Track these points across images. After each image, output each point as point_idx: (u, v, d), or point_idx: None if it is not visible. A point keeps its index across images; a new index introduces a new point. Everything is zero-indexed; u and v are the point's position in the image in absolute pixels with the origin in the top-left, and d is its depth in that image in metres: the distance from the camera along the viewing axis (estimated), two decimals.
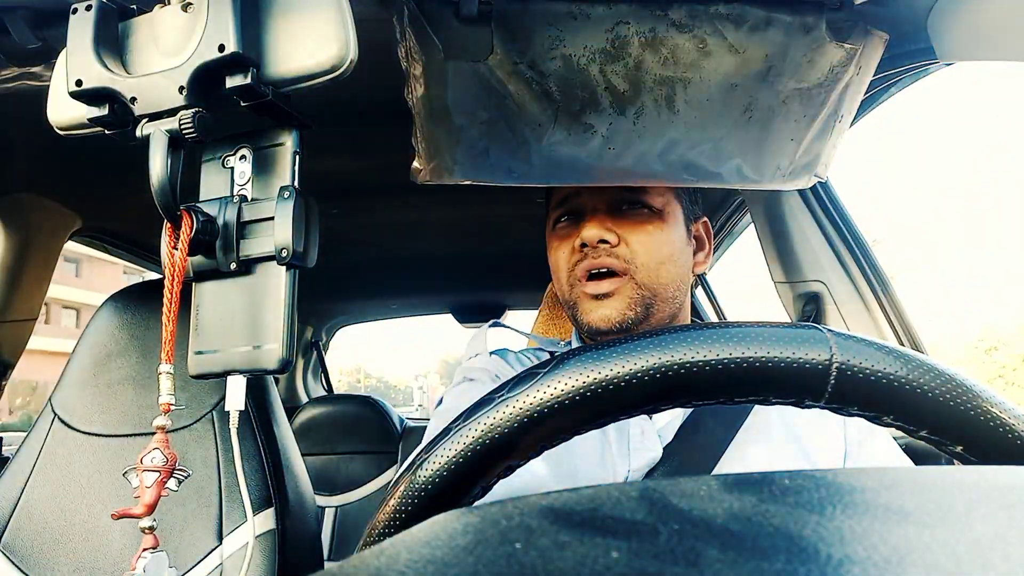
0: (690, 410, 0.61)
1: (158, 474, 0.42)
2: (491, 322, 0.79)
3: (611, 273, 0.63)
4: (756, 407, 0.61)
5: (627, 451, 0.59)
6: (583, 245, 0.63)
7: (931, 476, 0.20)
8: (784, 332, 0.27)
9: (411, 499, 0.28)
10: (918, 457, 0.86)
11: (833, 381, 0.26)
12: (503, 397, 0.28)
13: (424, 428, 2.11)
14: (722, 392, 0.27)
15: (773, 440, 0.59)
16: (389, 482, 1.97)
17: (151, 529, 0.42)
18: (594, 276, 0.63)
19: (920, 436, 0.27)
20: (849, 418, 0.59)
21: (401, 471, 0.30)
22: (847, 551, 0.15)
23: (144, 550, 0.42)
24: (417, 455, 0.30)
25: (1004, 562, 0.14)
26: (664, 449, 0.59)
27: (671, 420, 0.61)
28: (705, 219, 0.72)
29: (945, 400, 0.26)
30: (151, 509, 0.42)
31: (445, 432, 0.29)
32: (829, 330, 0.27)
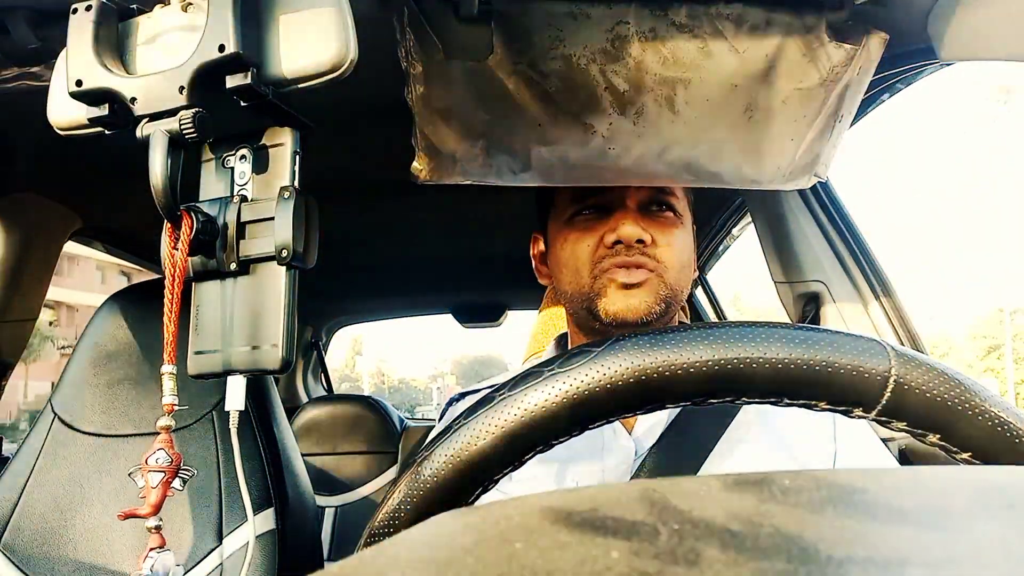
0: (673, 415, 0.61)
1: (163, 474, 0.42)
2: (455, 396, 0.76)
3: (643, 270, 0.63)
4: (742, 410, 0.60)
5: (600, 448, 0.60)
6: (616, 242, 0.62)
7: (931, 476, 0.20)
8: (845, 339, 0.27)
9: (412, 498, 0.28)
10: (919, 459, 0.86)
11: (889, 394, 0.26)
12: (507, 394, 0.28)
13: (424, 428, 2.12)
14: (776, 392, 0.27)
15: (760, 444, 0.59)
16: (389, 482, 1.98)
17: (157, 529, 0.42)
18: (626, 267, 0.63)
19: (961, 459, 0.27)
20: (839, 424, 0.60)
21: (402, 470, 0.30)
22: (847, 551, 0.15)
23: (151, 550, 0.42)
24: (418, 454, 0.30)
25: (1004, 562, 0.14)
26: (649, 449, 0.59)
27: (653, 424, 0.61)
28: (694, 226, 0.72)
29: (994, 426, 0.26)
30: (157, 509, 0.42)
31: (445, 432, 0.29)
32: (889, 344, 0.27)
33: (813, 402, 0.27)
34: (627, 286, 0.62)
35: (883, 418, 0.27)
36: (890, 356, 0.27)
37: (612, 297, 0.63)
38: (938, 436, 0.27)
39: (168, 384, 0.42)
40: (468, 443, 0.28)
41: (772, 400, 0.27)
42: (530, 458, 0.28)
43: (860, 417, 0.27)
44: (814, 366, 0.26)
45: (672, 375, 0.27)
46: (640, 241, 0.62)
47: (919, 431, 0.27)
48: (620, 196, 0.65)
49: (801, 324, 0.28)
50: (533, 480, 0.59)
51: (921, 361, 0.27)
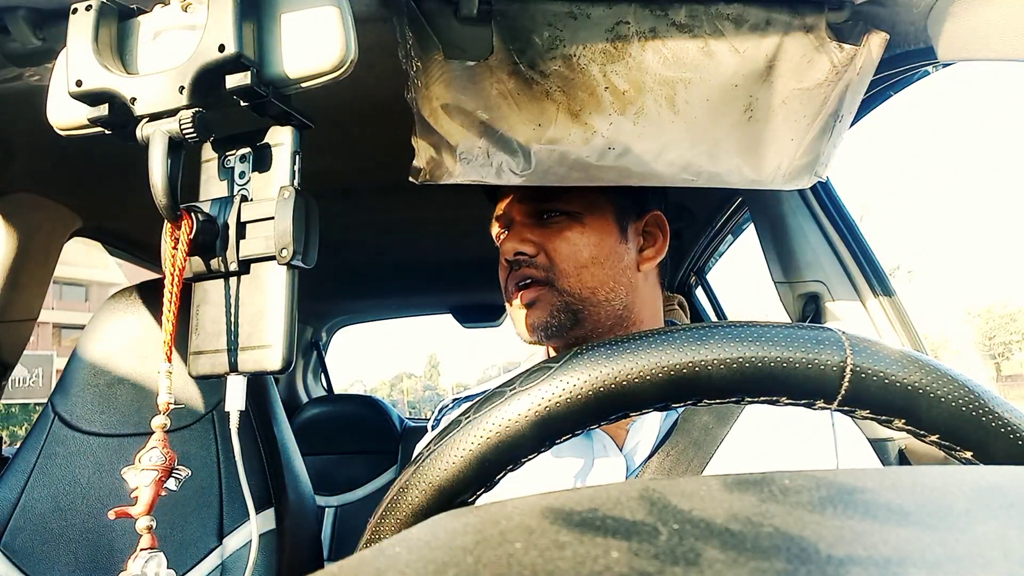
0: (666, 427, 0.61)
1: (156, 473, 0.42)
2: (447, 403, 0.75)
3: (536, 283, 0.63)
4: (737, 427, 0.60)
5: (590, 466, 0.59)
6: (507, 260, 0.64)
7: (931, 476, 0.20)
8: (799, 333, 0.27)
9: (412, 497, 0.28)
10: (919, 459, 0.86)
11: (847, 384, 0.26)
12: (514, 391, 0.28)
13: (424, 428, 2.12)
14: (736, 391, 0.27)
15: (759, 456, 0.58)
16: (389, 482, 1.98)
17: (149, 529, 0.42)
18: (520, 287, 0.64)
19: (930, 441, 0.27)
20: (839, 437, 0.59)
21: (402, 469, 0.30)
22: (847, 551, 0.15)
23: (141, 550, 0.42)
24: (418, 453, 0.30)
25: (1004, 562, 0.14)
26: (642, 464, 0.59)
27: (644, 438, 0.60)
28: (655, 212, 0.69)
29: (957, 406, 0.26)
30: (150, 509, 0.42)
31: (447, 431, 0.29)
32: (844, 332, 0.27)
33: (774, 398, 0.27)
34: (524, 306, 0.64)
35: (846, 408, 0.27)
36: (845, 346, 0.27)
37: (515, 318, 0.65)
38: (903, 421, 0.27)
39: (164, 383, 0.42)
40: (441, 468, 0.28)
41: (733, 400, 0.28)
42: (501, 478, 0.29)
43: (823, 409, 0.27)
44: (769, 363, 0.27)
45: (630, 384, 0.27)
46: (522, 254, 0.63)
47: (884, 417, 0.27)
48: (512, 211, 0.67)
49: (755, 321, 0.28)
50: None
51: (878, 347, 0.27)
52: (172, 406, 0.43)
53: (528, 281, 0.63)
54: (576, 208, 0.65)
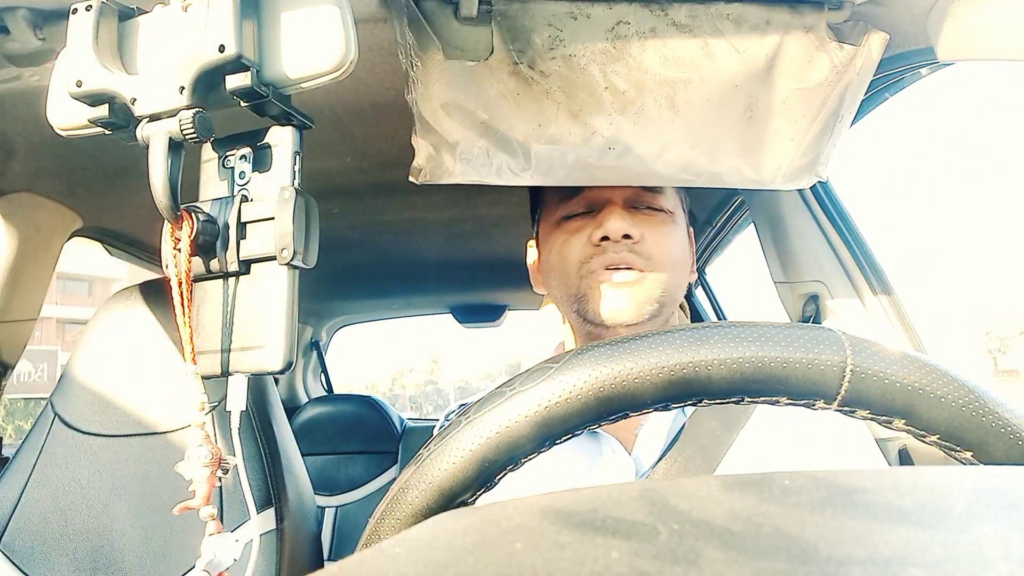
0: (675, 430, 0.61)
1: (209, 468, 0.44)
2: (453, 409, 0.75)
3: (632, 269, 0.61)
4: (744, 433, 0.60)
5: (598, 469, 0.59)
6: (603, 238, 0.60)
7: (931, 476, 0.20)
8: (799, 333, 0.27)
9: (412, 497, 0.28)
10: (919, 459, 0.86)
11: (847, 384, 0.26)
12: (514, 391, 0.28)
13: (424, 428, 2.12)
14: (735, 392, 0.27)
15: (768, 457, 0.58)
16: (389, 482, 1.98)
17: (213, 516, 0.44)
18: (617, 268, 0.61)
19: (930, 441, 0.27)
20: (847, 444, 0.59)
21: (402, 469, 0.30)
22: (847, 551, 0.15)
23: (209, 535, 0.44)
24: (418, 453, 0.30)
25: (1004, 562, 0.14)
26: (651, 467, 0.58)
27: (653, 441, 0.60)
28: (691, 228, 0.71)
29: (957, 406, 0.26)
30: (208, 500, 0.43)
31: (447, 431, 0.29)
32: (844, 333, 0.27)
33: (774, 398, 0.27)
34: (616, 285, 0.60)
35: (845, 408, 0.27)
36: (845, 346, 0.27)
37: (601, 298, 0.61)
38: (903, 421, 0.27)
39: (196, 384, 0.43)
40: (441, 468, 0.28)
41: (733, 400, 0.28)
42: (501, 478, 0.29)
43: (823, 409, 0.28)
44: (769, 363, 0.27)
45: (630, 384, 0.27)
46: (628, 237, 0.60)
47: (884, 417, 0.27)
48: (606, 194, 0.64)
49: (755, 321, 0.28)
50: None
51: (877, 348, 0.27)
52: (206, 405, 0.44)
53: (624, 267, 0.61)
54: (669, 207, 0.64)
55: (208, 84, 0.39)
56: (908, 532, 0.16)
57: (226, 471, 0.44)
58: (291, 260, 0.41)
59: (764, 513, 0.17)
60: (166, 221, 0.41)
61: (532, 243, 0.74)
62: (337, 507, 1.97)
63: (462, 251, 1.66)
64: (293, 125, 0.43)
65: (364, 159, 1.02)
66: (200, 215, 0.42)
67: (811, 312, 0.96)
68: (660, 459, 0.59)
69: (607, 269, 0.61)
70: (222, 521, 0.83)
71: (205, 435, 0.44)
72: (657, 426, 0.61)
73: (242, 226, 0.43)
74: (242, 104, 0.40)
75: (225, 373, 0.43)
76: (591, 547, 0.15)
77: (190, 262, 0.41)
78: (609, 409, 0.27)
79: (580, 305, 0.63)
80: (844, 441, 0.59)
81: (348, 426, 2.05)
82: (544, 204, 0.69)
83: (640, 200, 0.64)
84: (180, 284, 0.41)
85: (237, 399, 0.43)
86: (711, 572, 0.14)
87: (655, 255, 0.61)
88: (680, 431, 0.60)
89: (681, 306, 0.95)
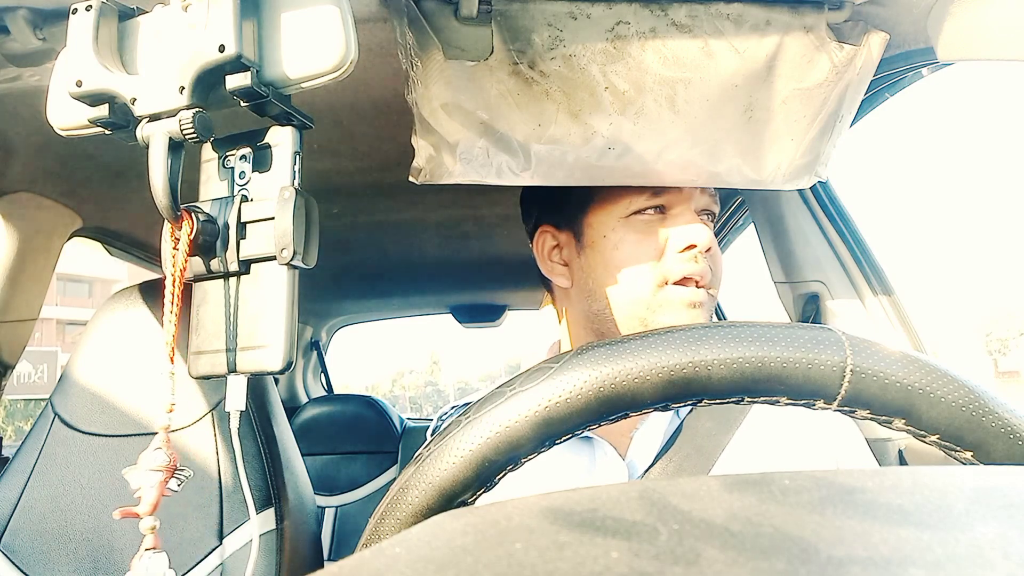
0: (669, 434, 0.61)
1: (161, 474, 0.42)
2: (448, 411, 0.71)
3: (700, 285, 0.58)
4: (740, 433, 0.60)
5: (590, 474, 0.59)
6: (690, 246, 0.57)
7: (931, 476, 0.20)
8: (799, 333, 0.27)
9: (412, 497, 0.28)
10: (919, 459, 0.86)
11: (847, 384, 0.26)
12: (514, 391, 0.28)
13: (424, 428, 2.12)
14: (735, 391, 0.27)
15: (763, 460, 0.58)
16: (389, 482, 1.98)
17: (153, 529, 0.42)
18: (695, 282, 0.58)
19: (930, 441, 0.27)
20: (842, 443, 0.59)
21: (402, 469, 0.30)
22: (847, 551, 0.15)
23: (145, 550, 0.42)
24: (418, 453, 0.30)
25: (1004, 562, 0.14)
26: (645, 472, 0.58)
27: (647, 446, 0.60)
28: None
29: (957, 406, 0.26)
30: (153, 509, 0.42)
31: (447, 431, 0.29)
32: (844, 333, 0.27)
33: (774, 398, 0.27)
34: (691, 305, 0.57)
35: (846, 408, 0.27)
36: (845, 346, 0.27)
37: (672, 316, 0.58)
38: (903, 421, 0.27)
39: (169, 384, 0.42)
40: (441, 468, 0.28)
41: (734, 400, 0.28)
42: (501, 478, 0.29)
43: (823, 409, 0.28)
44: (769, 363, 0.27)
45: (630, 384, 0.27)
46: (708, 250, 0.58)
47: (883, 418, 0.27)
48: (683, 196, 0.60)
49: (755, 321, 0.28)
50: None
51: (877, 348, 0.27)
52: (175, 407, 0.43)
53: (704, 283, 0.58)
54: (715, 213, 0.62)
55: (208, 84, 0.39)
56: (908, 532, 0.16)
57: (180, 482, 0.43)
58: (291, 260, 0.41)
59: (764, 513, 0.17)
60: (166, 221, 0.41)
61: (548, 228, 0.70)
62: (337, 507, 1.97)
63: (462, 251, 1.66)
64: (293, 125, 0.43)
65: (364, 159, 1.02)
66: (200, 215, 0.42)
67: (811, 312, 0.96)
68: (655, 462, 0.59)
69: (682, 284, 0.58)
70: (222, 521, 0.83)
71: (166, 439, 0.43)
72: (652, 430, 0.60)
73: (242, 226, 0.43)
74: (242, 104, 0.41)
75: (225, 373, 0.43)
76: (591, 547, 0.15)
77: (186, 262, 0.41)
78: (609, 409, 0.27)
79: (649, 315, 0.59)
80: (837, 441, 0.59)
81: (348, 426, 2.05)
82: (598, 190, 0.64)
83: (710, 206, 0.62)
84: (173, 284, 0.41)
85: (237, 399, 0.43)
86: (711, 572, 0.14)
87: (717, 272, 0.59)
88: (676, 433, 0.60)
89: None
